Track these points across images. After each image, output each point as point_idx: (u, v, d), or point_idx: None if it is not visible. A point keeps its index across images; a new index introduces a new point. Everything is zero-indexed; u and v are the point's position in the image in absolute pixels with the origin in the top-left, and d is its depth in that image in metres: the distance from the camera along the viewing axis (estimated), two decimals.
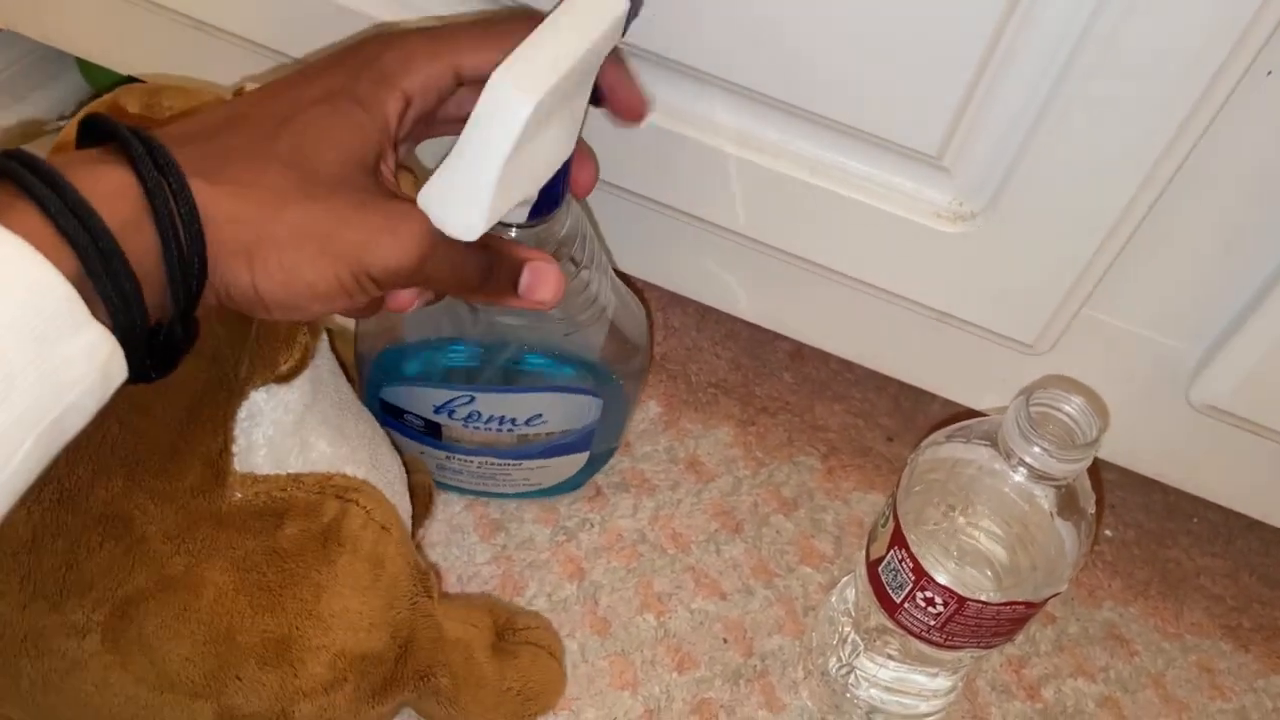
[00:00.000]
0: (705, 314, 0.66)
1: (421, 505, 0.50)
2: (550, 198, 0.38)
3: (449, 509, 0.55)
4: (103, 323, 0.26)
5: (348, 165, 0.30)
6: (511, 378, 0.46)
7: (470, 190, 0.31)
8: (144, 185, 0.27)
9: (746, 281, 0.53)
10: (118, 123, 0.28)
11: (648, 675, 0.51)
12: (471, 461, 0.51)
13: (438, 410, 0.46)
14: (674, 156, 0.46)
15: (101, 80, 0.71)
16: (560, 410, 0.48)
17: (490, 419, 0.47)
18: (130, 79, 0.61)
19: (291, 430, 0.37)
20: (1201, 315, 0.45)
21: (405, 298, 0.34)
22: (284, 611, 0.37)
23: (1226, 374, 0.44)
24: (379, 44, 0.33)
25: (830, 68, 0.41)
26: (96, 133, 0.29)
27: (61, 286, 0.24)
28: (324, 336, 0.39)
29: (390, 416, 0.48)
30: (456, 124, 0.32)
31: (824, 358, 0.66)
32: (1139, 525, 0.61)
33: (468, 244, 0.32)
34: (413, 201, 0.31)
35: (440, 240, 0.31)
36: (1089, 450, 0.36)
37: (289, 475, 0.37)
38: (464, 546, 0.54)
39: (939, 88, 0.40)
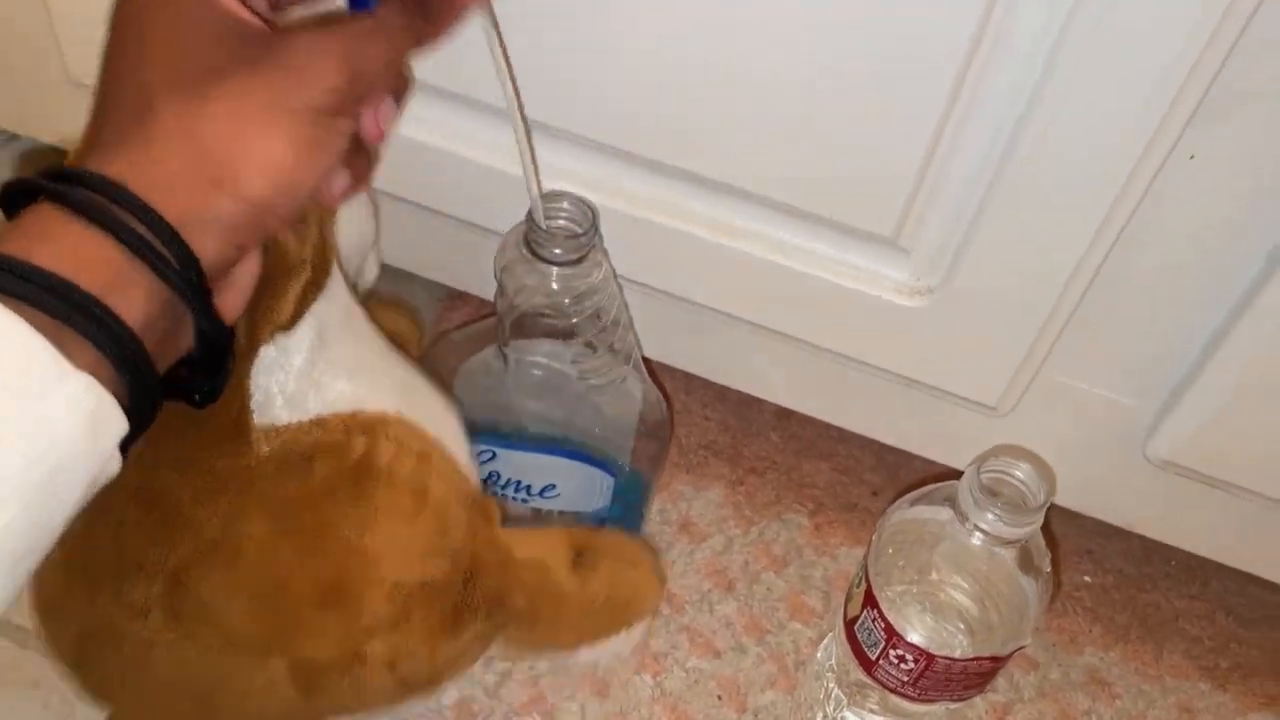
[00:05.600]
0: (693, 379, 0.68)
1: None
2: None
3: None
4: (103, 359, 0.26)
5: (211, 45, 0.29)
6: (533, 438, 0.49)
7: None
8: (67, 204, 0.26)
9: (730, 352, 0.56)
10: (25, 178, 0.28)
11: None
12: None
13: None
14: (657, 244, 0.50)
15: None
16: (574, 483, 0.50)
17: (507, 483, 0.49)
18: None
19: (304, 374, 0.37)
20: (1153, 375, 0.47)
21: (380, 115, 0.32)
22: (329, 552, 0.37)
23: (1178, 431, 0.47)
24: None
25: (796, 163, 0.45)
26: (16, 198, 0.28)
27: (34, 339, 0.24)
28: (332, 280, 0.38)
29: None
30: None
31: (809, 417, 0.68)
32: (1118, 571, 0.63)
33: (381, 16, 0.31)
34: (300, 29, 0.30)
35: (350, 33, 0.30)
36: (1038, 514, 0.39)
37: (311, 420, 0.37)
38: None
39: (891, 177, 0.43)
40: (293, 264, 0.34)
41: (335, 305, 0.38)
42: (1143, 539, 0.64)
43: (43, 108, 0.61)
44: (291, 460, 0.36)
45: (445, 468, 0.40)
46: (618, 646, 0.45)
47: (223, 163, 0.28)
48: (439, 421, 0.42)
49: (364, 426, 0.38)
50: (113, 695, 0.39)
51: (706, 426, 0.68)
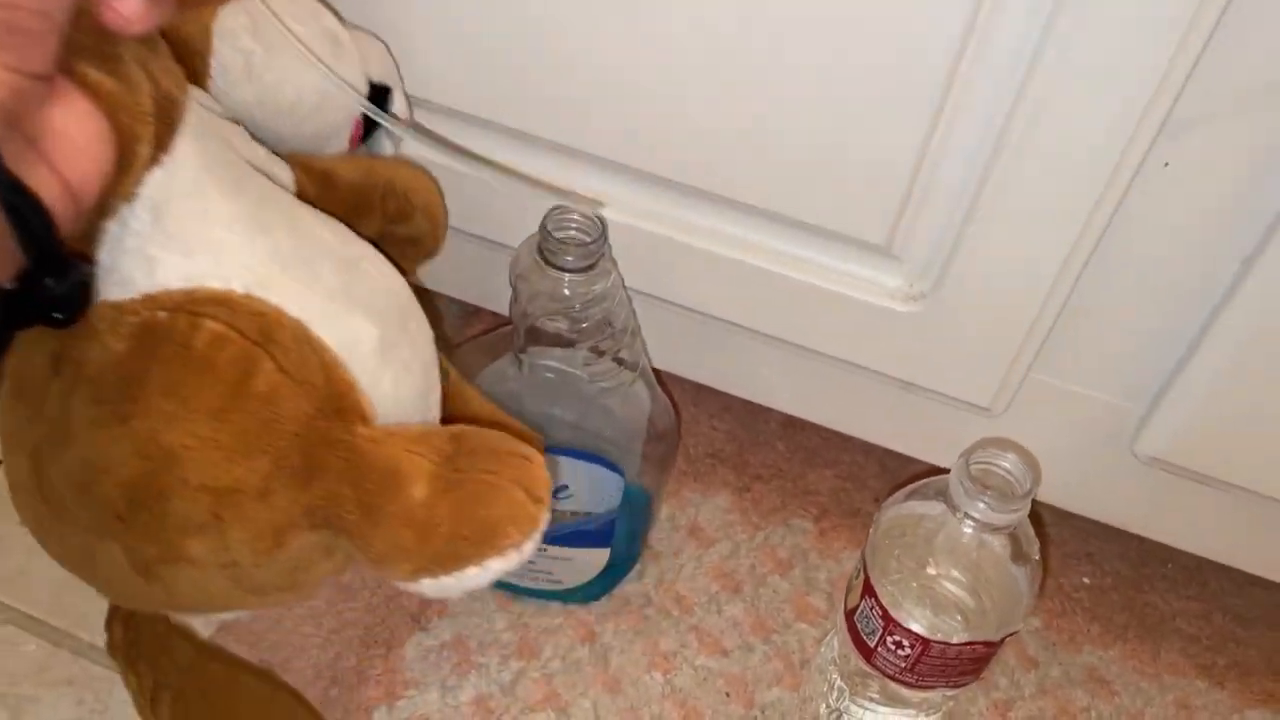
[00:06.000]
0: (701, 390, 0.71)
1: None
2: None
3: None
4: None
5: None
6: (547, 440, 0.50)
7: None
8: None
9: (735, 360, 0.58)
10: None
11: None
12: None
13: None
14: (658, 255, 0.52)
15: None
16: (584, 484, 0.52)
17: None
18: None
19: (133, 249, 0.34)
20: (1138, 374, 0.49)
21: None
22: (136, 445, 0.34)
23: (1163, 427, 0.49)
24: None
25: (790, 175, 0.47)
26: None
27: None
28: (182, 138, 0.34)
29: None
30: None
31: (814, 427, 0.70)
32: (1116, 573, 0.65)
33: None
34: None
35: None
36: (1026, 500, 0.41)
37: (142, 296, 0.34)
38: (484, 614, 0.58)
39: (882, 188, 0.46)
40: (129, 123, 0.30)
41: (186, 166, 0.34)
42: (1140, 542, 0.65)
43: None
44: (119, 341, 0.34)
45: (292, 357, 0.35)
46: (466, 583, 0.37)
47: None
48: (325, 304, 0.37)
49: (192, 306, 0.34)
50: (50, 552, 0.39)
51: (714, 436, 0.70)
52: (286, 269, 0.37)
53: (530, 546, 0.37)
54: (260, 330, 0.35)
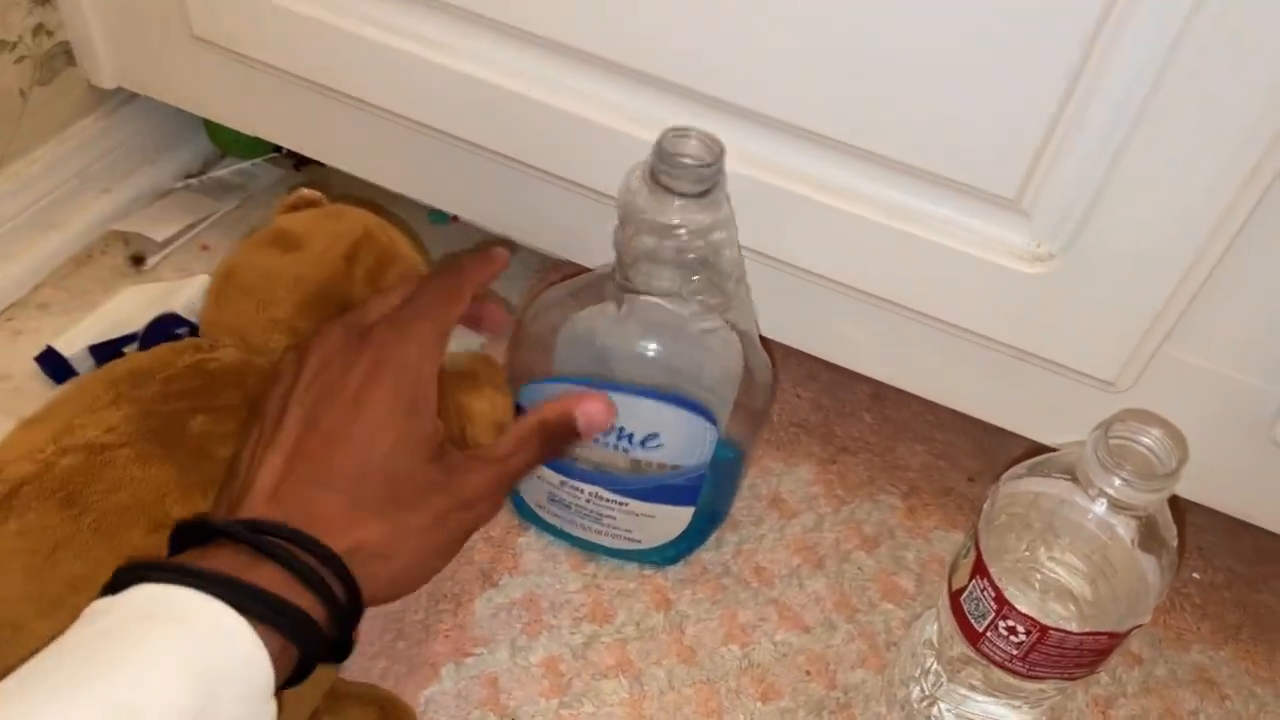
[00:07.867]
0: (786, 356, 0.68)
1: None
2: None
3: (543, 538, 0.57)
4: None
5: (414, 465, 0.38)
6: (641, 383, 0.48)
7: None
8: (292, 570, 0.34)
9: (831, 322, 0.55)
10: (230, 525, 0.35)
11: (732, 704, 0.52)
12: (582, 492, 0.53)
13: None
14: (763, 205, 0.49)
15: (226, 141, 0.77)
16: (677, 433, 0.49)
17: (610, 429, 0.48)
18: (260, 143, 0.67)
19: None
20: None
21: None
22: None
23: None
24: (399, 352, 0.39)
25: (918, 119, 0.44)
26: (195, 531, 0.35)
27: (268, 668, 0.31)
28: None
29: None
30: None
31: (905, 400, 0.67)
32: (1228, 569, 0.61)
33: (525, 433, 0.40)
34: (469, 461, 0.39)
35: (505, 466, 0.40)
36: (1169, 480, 0.37)
37: None
38: (556, 574, 0.56)
39: (1018, 132, 0.42)
40: None
41: None
42: (1254, 538, 0.61)
43: (168, 67, 0.63)
44: None
45: None
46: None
47: (386, 560, 0.37)
48: None
49: None
50: None
51: (798, 405, 0.67)
52: None
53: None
54: None
